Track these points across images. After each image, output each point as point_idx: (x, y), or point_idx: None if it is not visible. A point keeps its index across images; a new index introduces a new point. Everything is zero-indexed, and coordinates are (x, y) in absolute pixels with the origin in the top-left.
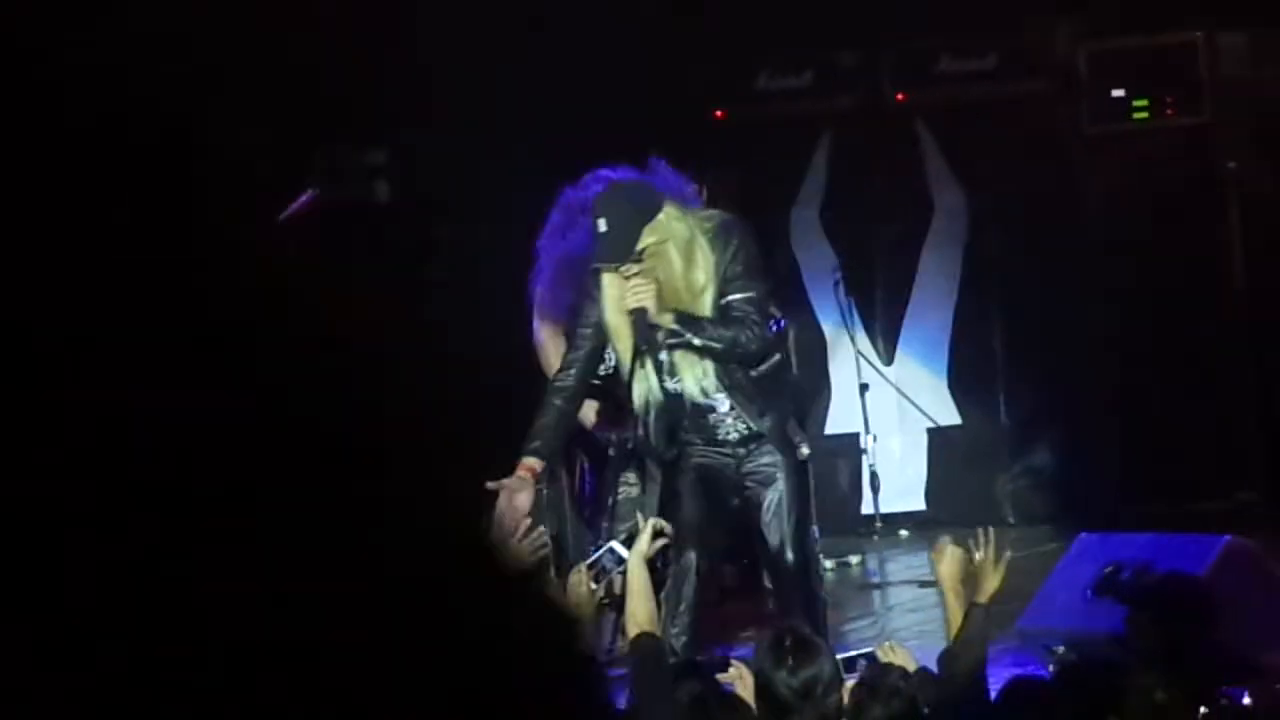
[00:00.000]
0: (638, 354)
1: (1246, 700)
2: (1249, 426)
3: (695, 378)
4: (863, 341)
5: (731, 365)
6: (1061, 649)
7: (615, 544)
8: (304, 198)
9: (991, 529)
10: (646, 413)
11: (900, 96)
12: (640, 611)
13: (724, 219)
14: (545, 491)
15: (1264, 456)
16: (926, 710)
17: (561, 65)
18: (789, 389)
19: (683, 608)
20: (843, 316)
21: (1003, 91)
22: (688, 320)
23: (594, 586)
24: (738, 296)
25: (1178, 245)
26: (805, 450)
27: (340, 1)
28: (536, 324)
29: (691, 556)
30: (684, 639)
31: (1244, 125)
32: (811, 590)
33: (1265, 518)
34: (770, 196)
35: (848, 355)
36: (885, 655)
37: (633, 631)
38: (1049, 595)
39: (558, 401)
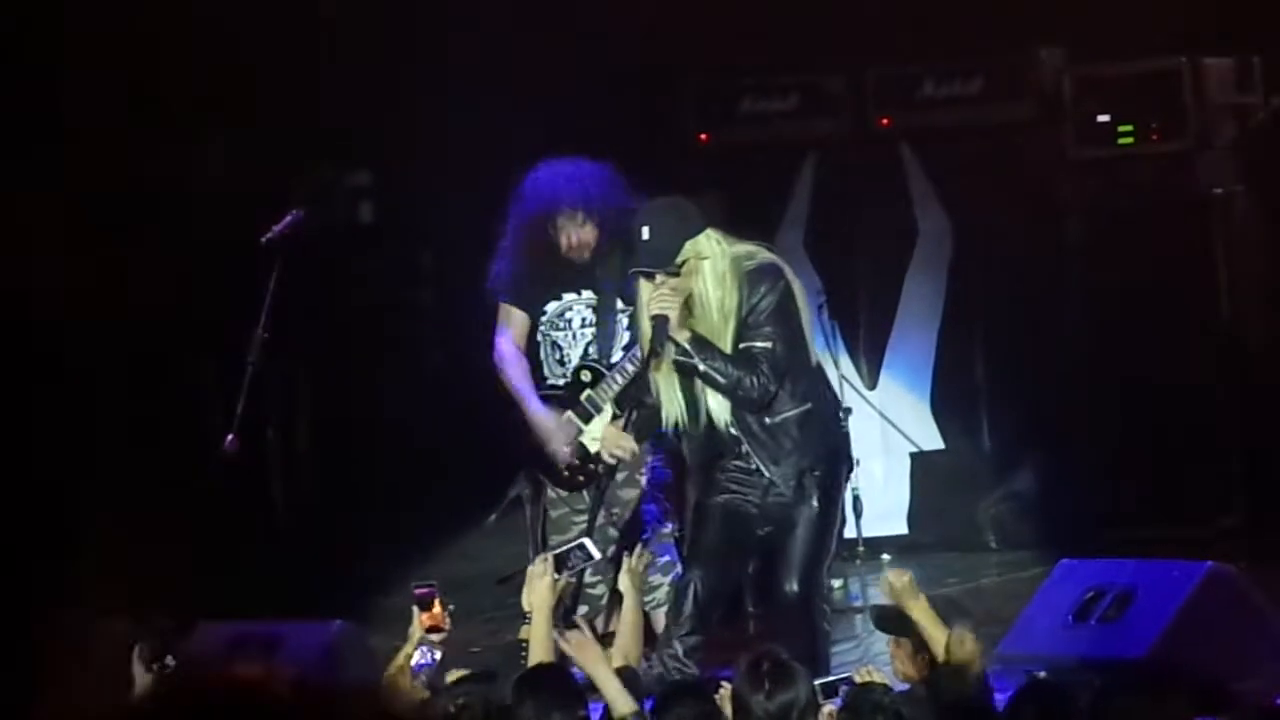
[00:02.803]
0: (652, 356)
1: None
2: (1232, 452)
3: (717, 406)
4: (846, 365)
5: (744, 408)
6: (1042, 674)
7: (587, 541)
8: (288, 219)
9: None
10: (680, 429)
11: (885, 121)
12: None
13: (765, 262)
14: (527, 511)
15: (1247, 482)
16: None
17: (547, 89)
18: (818, 442)
19: (686, 628)
20: (826, 340)
21: (987, 116)
22: (700, 343)
23: (556, 577)
24: (758, 345)
25: (1162, 270)
26: (815, 505)
27: (327, 26)
28: (500, 329)
29: (698, 577)
30: (686, 659)
31: (1228, 151)
32: (814, 624)
33: (1248, 544)
34: (754, 220)
35: (831, 379)
36: (863, 678)
37: (617, 662)
38: (1030, 620)
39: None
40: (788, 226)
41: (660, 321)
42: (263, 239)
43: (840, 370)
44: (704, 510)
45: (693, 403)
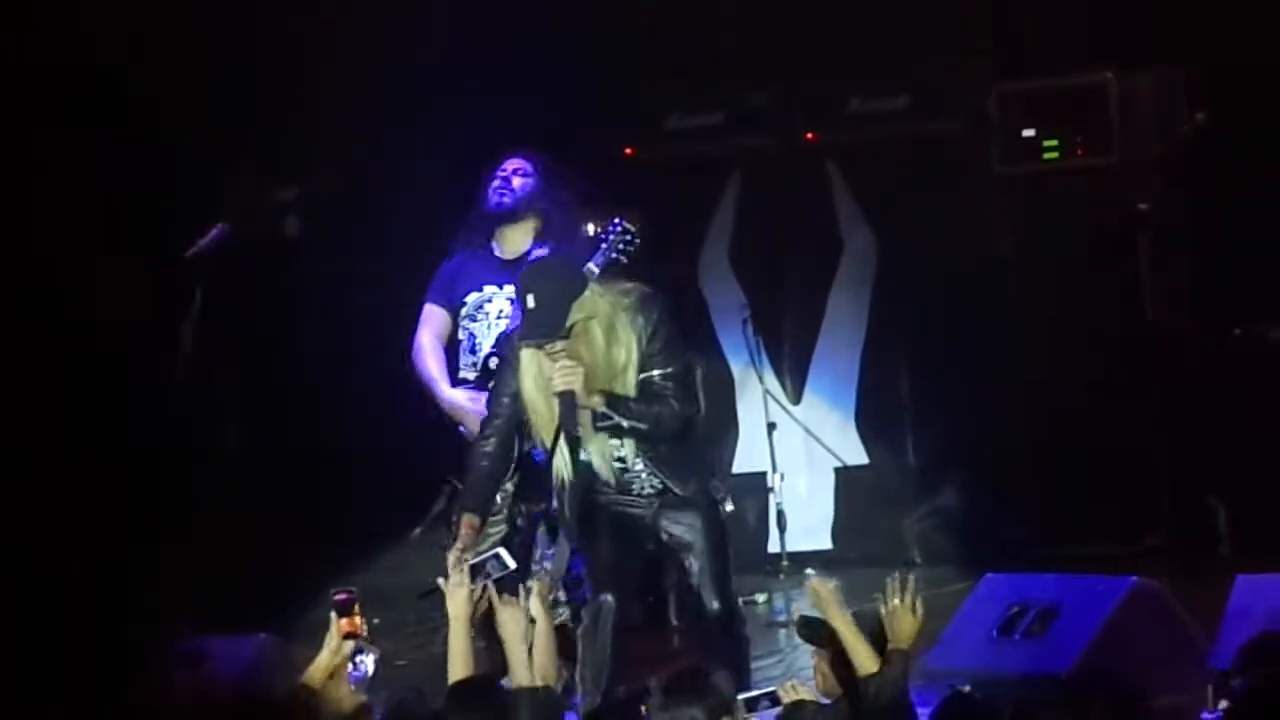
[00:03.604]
0: (559, 433)
1: None
2: (1158, 469)
3: (614, 451)
4: (770, 380)
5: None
6: (967, 689)
7: (502, 551)
8: (214, 232)
9: (909, 574)
10: (563, 489)
11: (811, 136)
12: (544, 663)
13: (641, 294)
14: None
15: (1172, 500)
16: None
17: (474, 102)
18: (703, 445)
19: (599, 644)
20: (751, 355)
21: (913, 132)
22: (615, 401)
23: (472, 587)
24: (657, 373)
25: (1088, 286)
26: (730, 506)
27: (251, 38)
28: (419, 328)
29: (608, 598)
30: (602, 673)
31: (1153, 165)
32: (736, 633)
33: (1173, 561)
34: (679, 235)
35: (755, 394)
36: (787, 694)
37: (539, 681)
38: (955, 635)
39: (484, 463)
40: (713, 242)
41: (568, 397)
42: (187, 253)
43: (765, 385)
44: (594, 529)
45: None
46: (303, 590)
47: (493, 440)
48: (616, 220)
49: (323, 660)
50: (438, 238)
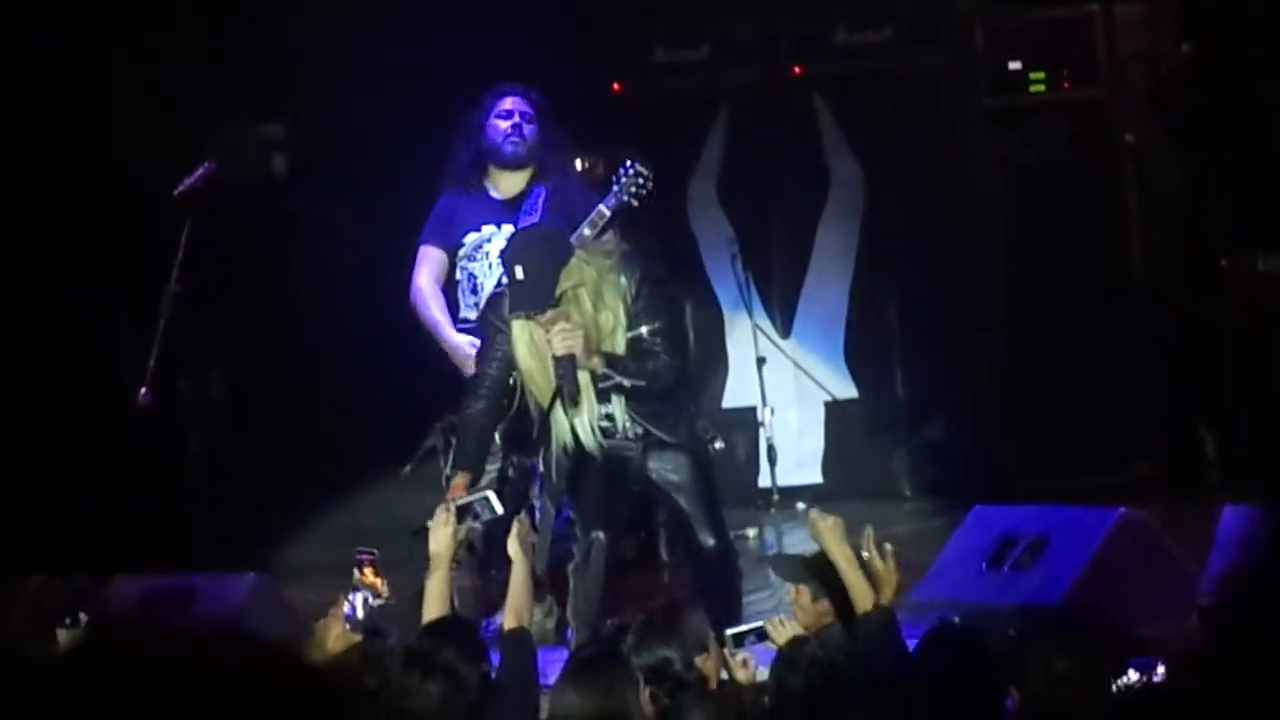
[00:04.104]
0: (556, 397)
1: (1160, 670)
2: (1146, 400)
3: (602, 411)
4: (760, 315)
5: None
6: (956, 620)
7: (491, 494)
8: (200, 171)
9: (870, 528)
10: (563, 453)
11: (797, 70)
12: (519, 606)
13: (623, 253)
14: (442, 462)
15: (1161, 430)
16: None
17: (458, 39)
18: (687, 389)
19: (590, 580)
20: (740, 290)
21: (900, 64)
22: (614, 360)
23: (456, 527)
24: (645, 329)
25: (1074, 218)
26: (719, 445)
27: None
28: (416, 270)
29: (600, 535)
30: (591, 608)
31: (1140, 98)
32: (730, 567)
33: (1161, 491)
34: (667, 170)
35: (745, 329)
36: (774, 629)
37: (510, 623)
38: (943, 567)
39: (476, 423)
40: (700, 176)
41: (569, 360)
42: (175, 192)
43: (754, 320)
44: (583, 471)
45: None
46: (291, 529)
47: (484, 400)
48: (629, 162)
49: (334, 609)
50: (424, 175)
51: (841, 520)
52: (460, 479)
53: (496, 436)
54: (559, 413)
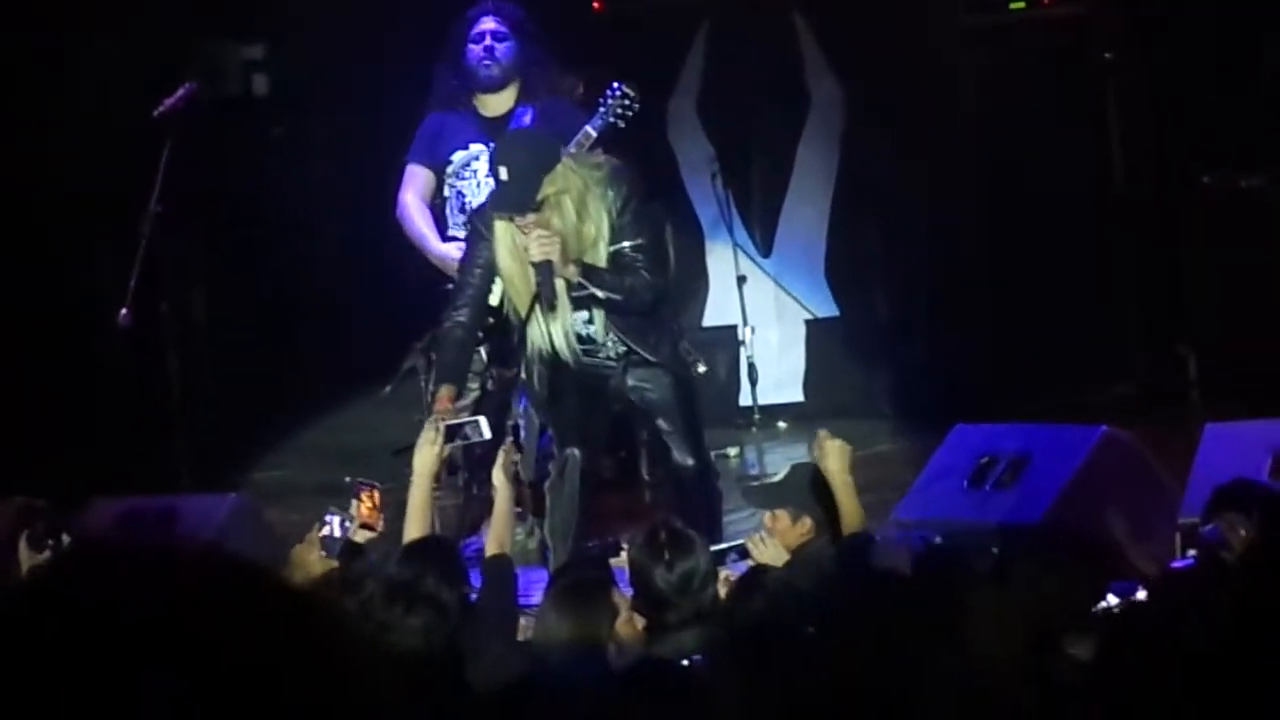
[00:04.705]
0: (534, 303)
1: (1141, 594)
2: (1128, 319)
3: (581, 324)
4: (740, 233)
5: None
6: (939, 540)
7: (482, 420)
8: (181, 91)
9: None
10: (537, 360)
11: None
12: (501, 534)
13: (613, 167)
14: (422, 381)
15: (1142, 350)
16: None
17: None
18: (670, 309)
19: (567, 497)
20: (720, 208)
21: None
22: (591, 271)
23: (443, 445)
24: (628, 244)
25: (1055, 136)
26: (701, 368)
27: None
28: (403, 188)
29: (575, 451)
30: (569, 527)
31: (1120, 16)
32: (711, 487)
33: (1143, 410)
34: (646, 88)
35: (725, 247)
36: (756, 546)
37: (492, 550)
38: (925, 486)
39: (457, 334)
40: (680, 94)
41: (545, 266)
42: (155, 113)
43: (734, 238)
44: (560, 385)
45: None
46: (272, 450)
47: (465, 310)
48: (616, 84)
49: (312, 533)
50: (405, 95)
51: (850, 447)
52: (445, 391)
53: (482, 352)
54: (536, 319)
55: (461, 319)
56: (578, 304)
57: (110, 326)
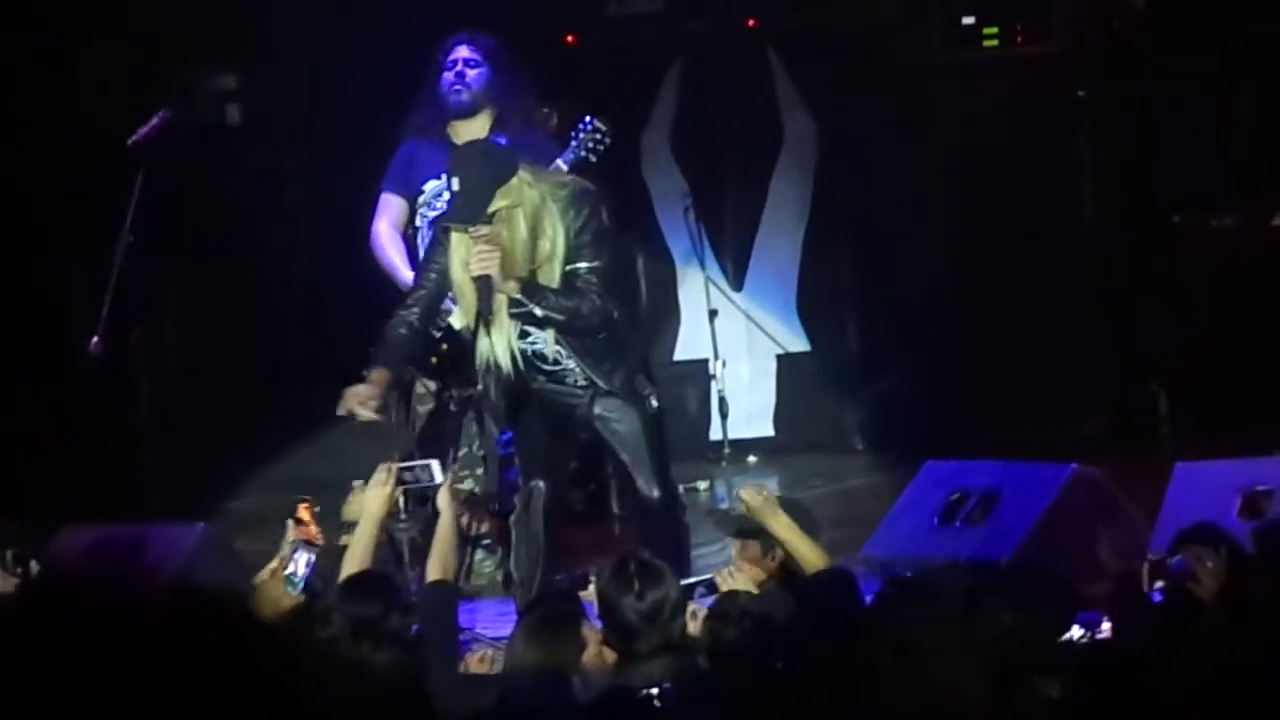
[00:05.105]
0: (479, 317)
1: (1106, 627)
2: (1099, 355)
3: (529, 342)
4: (712, 267)
5: (584, 335)
6: (908, 575)
7: (435, 463)
8: (155, 120)
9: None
10: (487, 372)
11: (751, 22)
12: (444, 561)
13: (578, 188)
14: (393, 413)
15: (1113, 385)
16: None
17: None
18: (633, 340)
19: (532, 529)
20: (692, 242)
21: (853, 18)
22: (531, 289)
23: (394, 489)
24: (583, 266)
25: (1028, 173)
26: (655, 403)
27: None
28: (376, 217)
29: (540, 483)
30: (536, 559)
31: (1093, 53)
32: (677, 520)
33: (1113, 447)
34: (621, 122)
35: (697, 281)
36: (724, 581)
37: (433, 574)
38: (895, 522)
39: (402, 330)
40: (654, 128)
41: (484, 281)
42: (129, 141)
43: (706, 271)
44: (525, 416)
45: (518, 339)
46: (242, 479)
47: (415, 310)
48: (588, 119)
49: (273, 564)
50: (378, 125)
51: (772, 495)
52: (377, 374)
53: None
54: (481, 332)
55: (409, 317)
56: (518, 321)
57: (83, 354)
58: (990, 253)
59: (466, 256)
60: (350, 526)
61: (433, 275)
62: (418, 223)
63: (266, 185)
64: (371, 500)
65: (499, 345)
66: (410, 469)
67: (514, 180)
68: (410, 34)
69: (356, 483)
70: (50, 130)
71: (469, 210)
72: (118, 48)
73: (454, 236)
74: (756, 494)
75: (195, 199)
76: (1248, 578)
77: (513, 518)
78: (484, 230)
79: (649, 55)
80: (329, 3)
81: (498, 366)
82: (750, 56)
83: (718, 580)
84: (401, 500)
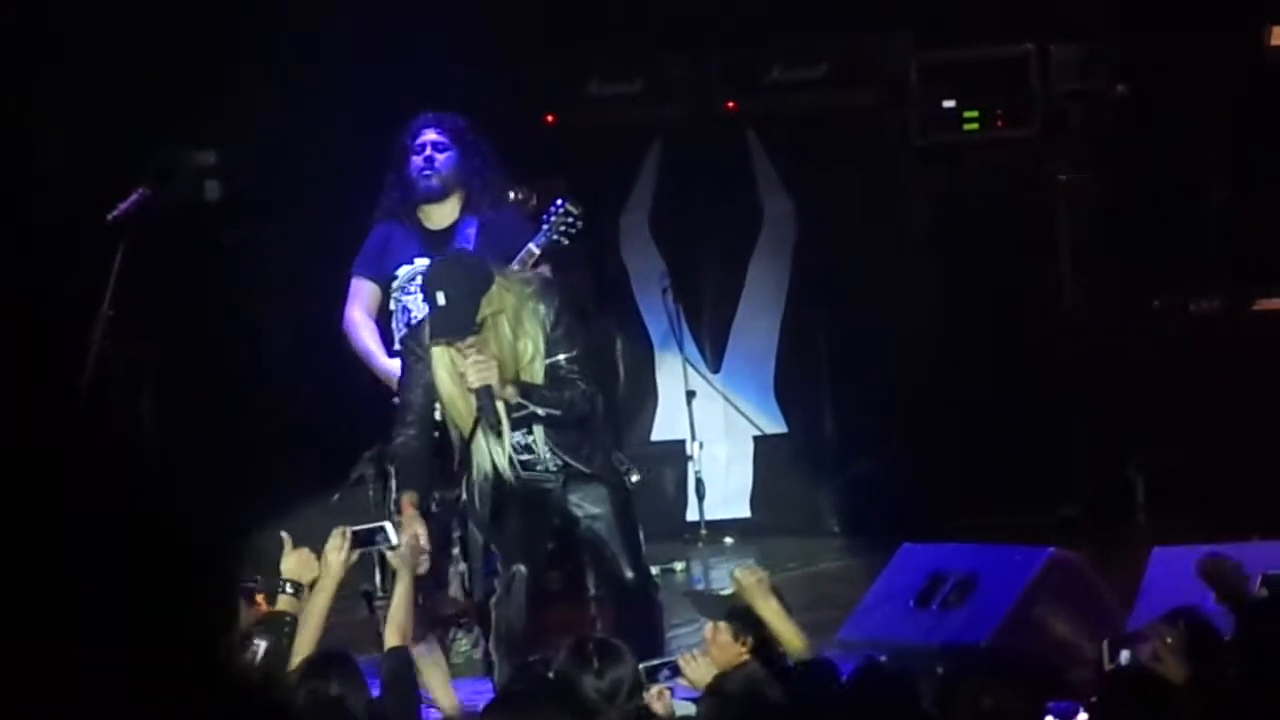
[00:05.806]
0: (477, 426)
1: (1082, 717)
2: (1074, 440)
3: (522, 440)
4: (690, 348)
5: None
6: (883, 659)
7: (388, 525)
8: (134, 196)
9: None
10: (484, 480)
11: (730, 105)
12: (401, 627)
13: (541, 281)
14: (370, 491)
15: (1088, 471)
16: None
17: (392, 67)
18: (604, 419)
19: (513, 611)
20: (670, 323)
21: (833, 101)
22: (529, 390)
23: (350, 554)
24: (563, 357)
25: (1007, 257)
26: (635, 478)
27: (170, 4)
28: (349, 302)
29: (522, 568)
30: (514, 641)
31: (1074, 137)
32: (650, 600)
33: (1090, 532)
34: (599, 202)
35: (675, 362)
36: (687, 664)
37: (392, 640)
38: (871, 605)
39: (412, 446)
40: (633, 209)
41: (485, 390)
42: (109, 217)
43: (684, 353)
44: (502, 503)
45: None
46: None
47: (414, 427)
48: (560, 201)
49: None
50: (356, 202)
51: (766, 575)
52: (407, 497)
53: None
54: (480, 441)
55: (412, 434)
56: (519, 423)
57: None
58: (969, 336)
59: (453, 369)
60: (289, 583)
61: (419, 390)
62: (391, 306)
63: (245, 261)
64: (329, 566)
65: (498, 451)
66: (368, 532)
67: (493, 287)
68: (390, 112)
69: (284, 534)
70: (28, 205)
71: (456, 324)
72: (96, 124)
73: (435, 351)
74: (751, 574)
75: (174, 274)
76: (1222, 662)
77: (493, 600)
78: (470, 342)
79: (628, 135)
80: (307, 80)
81: (495, 472)
82: (729, 139)
83: (680, 663)
84: (379, 578)
